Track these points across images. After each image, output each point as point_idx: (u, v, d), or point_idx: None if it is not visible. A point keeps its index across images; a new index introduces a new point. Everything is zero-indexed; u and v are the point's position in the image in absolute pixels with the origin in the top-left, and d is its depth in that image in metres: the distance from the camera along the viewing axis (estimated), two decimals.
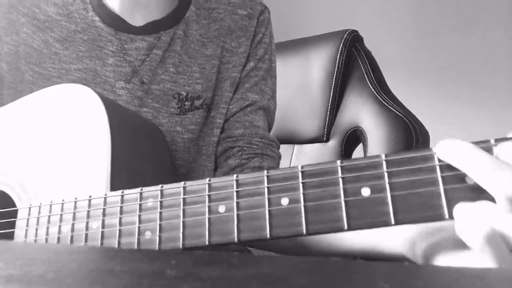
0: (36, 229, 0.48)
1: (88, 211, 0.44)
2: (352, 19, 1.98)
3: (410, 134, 0.91)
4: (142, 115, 0.68)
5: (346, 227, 0.34)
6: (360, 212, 0.33)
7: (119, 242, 0.42)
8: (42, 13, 0.70)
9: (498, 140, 0.31)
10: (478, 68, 1.94)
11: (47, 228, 0.47)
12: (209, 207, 0.38)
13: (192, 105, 0.70)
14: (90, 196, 0.45)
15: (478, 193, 0.31)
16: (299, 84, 1.11)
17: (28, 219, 0.49)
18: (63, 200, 0.46)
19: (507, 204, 0.28)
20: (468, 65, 1.95)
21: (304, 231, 0.35)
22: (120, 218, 0.42)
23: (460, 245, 0.33)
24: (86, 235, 0.44)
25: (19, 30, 0.70)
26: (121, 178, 0.51)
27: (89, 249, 0.36)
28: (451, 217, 0.31)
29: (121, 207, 0.42)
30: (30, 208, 0.49)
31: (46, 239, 0.47)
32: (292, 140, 1.11)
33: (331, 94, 1.06)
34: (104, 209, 0.43)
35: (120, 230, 0.42)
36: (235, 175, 0.38)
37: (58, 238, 0.46)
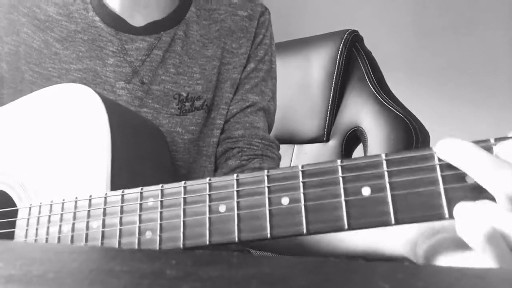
0: (37, 229, 0.48)
1: (89, 210, 0.44)
2: (352, 19, 1.98)
3: (410, 134, 0.91)
4: (142, 115, 0.68)
5: (346, 226, 0.34)
6: (360, 212, 0.33)
7: (119, 242, 0.42)
8: (42, 13, 0.70)
9: (498, 140, 0.31)
10: (478, 68, 1.94)
11: (48, 227, 0.47)
12: (209, 206, 0.38)
13: (193, 106, 0.70)
14: (90, 196, 0.45)
15: (478, 192, 0.31)
16: (299, 84, 1.11)
17: (28, 219, 0.49)
18: (63, 200, 0.46)
19: (507, 203, 0.28)
20: (468, 65, 1.95)
21: (305, 231, 0.35)
22: (121, 218, 0.42)
23: (461, 245, 0.33)
24: (87, 234, 0.44)
25: (20, 30, 0.70)
26: (121, 178, 0.51)
27: (89, 249, 0.36)
28: (451, 216, 0.31)
29: (121, 206, 0.42)
30: (30, 208, 0.49)
31: (47, 238, 0.47)
32: (292, 140, 1.11)
33: (331, 94, 1.06)
34: (104, 209, 0.43)
35: (120, 229, 0.42)
36: (235, 175, 0.38)
37: (59, 237, 0.46)
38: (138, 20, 0.70)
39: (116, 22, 0.69)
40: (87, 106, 0.53)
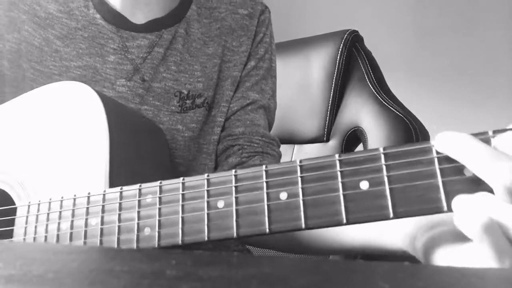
0: (35, 227, 0.48)
1: (87, 208, 0.44)
2: (352, 19, 1.98)
3: (410, 134, 0.91)
4: (142, 113, 0.68)
5: (345, 220, 0.34)
6: (358, 206, 0.33)
7: (118, 239, 0.42)
8: (42, 10, 0.70)
9: (496, 132, 0.31)
10: (478, 68, 1.94)
11: (46, 225, 0.47)
12: (208, 202, 0.38)
13: (193, 104, 0.71)
14: (89, 193, 0.45)
15: (476, 185, 0.31)
16: (299, 84, 1.11)
17: (27, 217, 0.49)
18: (62, 197, 0.46)
19: (505, 195, 0.28)
20: (468, 65, 1.95)
21: (303, 225, 0.35)
22: (119, 215, 0.42)
23: (459, 238, 0.33)
24: (85, 232, 0.44)
25: (20, 28, 0.70)
26: (119, 176, 0.51)
27: (89, 249, 0.36)
28: (449, 209, 0.31)
29: (120, 203, 0.42)
30: (29, 206, 0.49)
31: (46, 236, 0.47)
32: (292, 140, 1.11)
33: (331, 94, 1.06)
34: (103, 206, 0.43)
35: (119, 226, 0.42)
36: (233, 170, 0.38)
37: (57, 235, 0.46)
38: (139, 18, 0.70)
39: (117, 20, 0.69)
40: (86, 105, 0.53)
